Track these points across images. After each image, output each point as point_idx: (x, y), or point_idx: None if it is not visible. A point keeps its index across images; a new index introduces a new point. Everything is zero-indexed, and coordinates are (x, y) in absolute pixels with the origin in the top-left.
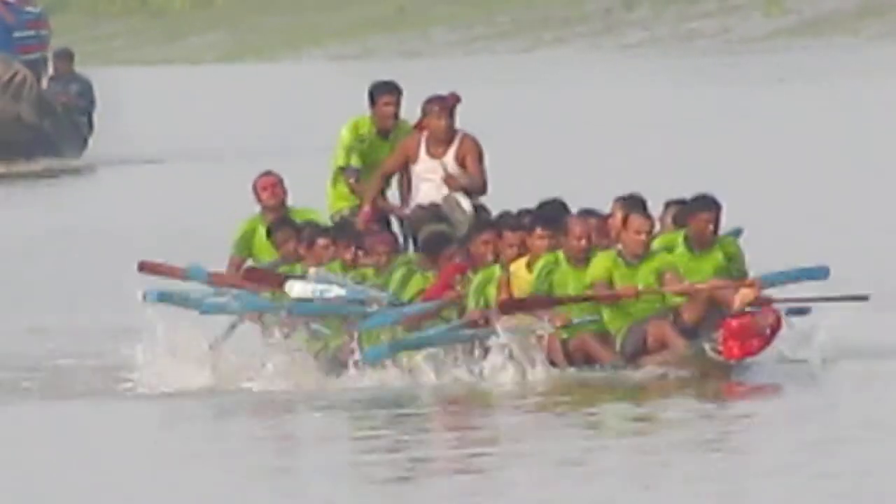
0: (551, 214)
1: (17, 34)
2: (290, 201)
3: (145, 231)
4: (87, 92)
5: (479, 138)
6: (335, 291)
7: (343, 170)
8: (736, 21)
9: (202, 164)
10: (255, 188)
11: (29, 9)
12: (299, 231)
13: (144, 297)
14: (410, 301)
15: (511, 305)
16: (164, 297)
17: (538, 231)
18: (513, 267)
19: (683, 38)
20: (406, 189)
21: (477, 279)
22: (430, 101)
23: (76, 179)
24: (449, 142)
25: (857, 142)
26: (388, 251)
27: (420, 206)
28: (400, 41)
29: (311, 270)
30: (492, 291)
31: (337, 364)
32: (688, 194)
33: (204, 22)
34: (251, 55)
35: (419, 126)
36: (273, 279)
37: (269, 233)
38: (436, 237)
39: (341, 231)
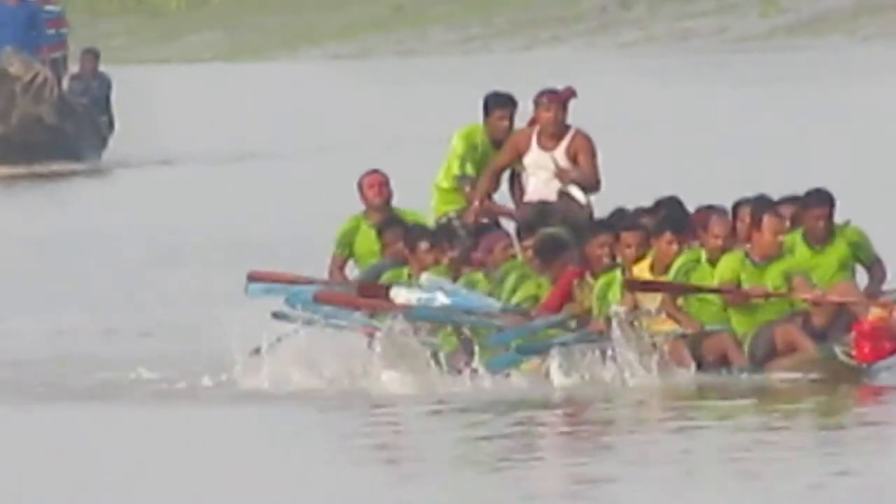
0: (676, 216)
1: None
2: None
3: (164, 232)
4: (107, 91)
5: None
6: (440, 300)
7: (458, 178)
8: (732, 20)
9: (203, 165)
10: (360, 186)
11: (49, 7)
12: (407, 232)
13: (247, 291)
14: (518, 305)
15: (637, 286)
16: (269, 291)
17: (667, 235)
18: (635, 270)
19: (679, 37)
20: (519, 195)
21: (598, 284)
22: (543, 94)
23: (87, 180)
24: (560, 136)
25: (856, 142)
26: (503, 248)
27: (529, 204)
28: (397, 40)
29: (423, 277)
30: (614, 295)
31: (449, 370)
32: (690, 194)
33: (200, 21)
34: (248, 55)
35: (532, 121)
36: (383, 293)
37: (379, 232)
38: (550, 241)
39: (443, 234)
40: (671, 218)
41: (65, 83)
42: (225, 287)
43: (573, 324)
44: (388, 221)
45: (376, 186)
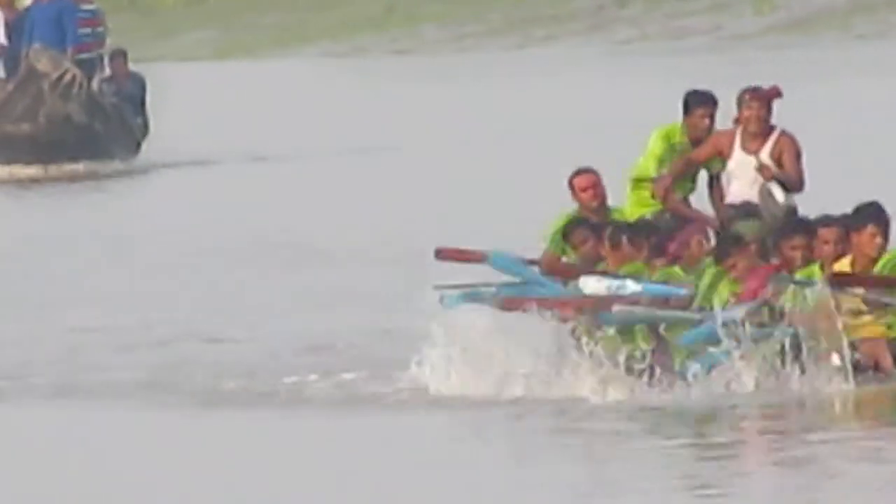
0: (877, 212)
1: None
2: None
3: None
4: (141, 92)
5: (797, 137)
6: (630, 288)
7: (654, 180)
8: (727, 18)
9: (204, 166)
10: (571, 186)
11: (85, 6)
12: (596, 231)
13: (442, 300)
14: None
15: (843, 280)
16: (466, 298)
17: (870, 228)
18: (836, 267)
19: (674, 35)
20: (718, 198)
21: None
22: (746, 92)
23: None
24: (765, 137)
25: (850, 139)
26: (699, 242)
27: (731, 206)
28: (390, 39)
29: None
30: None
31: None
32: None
33: (195, 19)
34: (242, 53)
35: (736, 120)
36: (570, 270)
37: (564, 234)
38: (728, 238)
39: (640, 231)
40: (872, 213)
41: (96, 84)
42: (295, 287)
43: (765, 315)
44: (574, 223)
45: (591, 188)
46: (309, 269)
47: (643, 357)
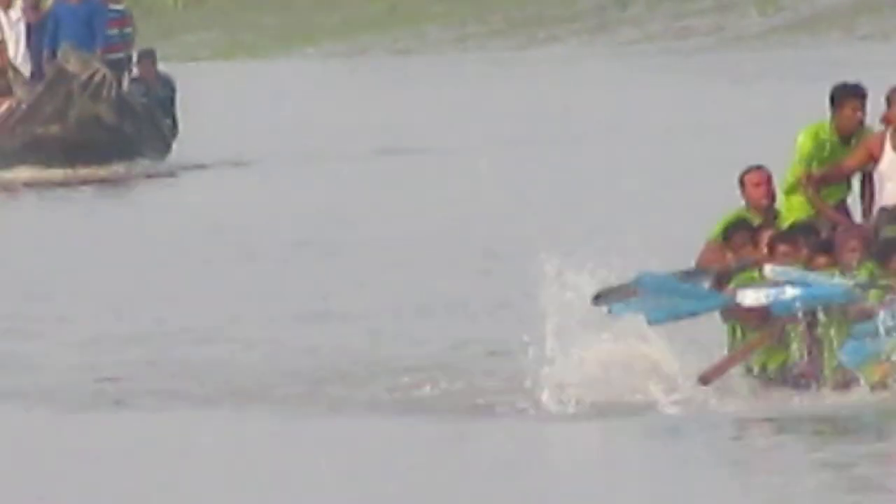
0: None
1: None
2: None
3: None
4: (170, 93)
5: None
6: (789, 293)
7: (803, 180)
8: (731, 19)
9: (235, 166)
10: (742, 183)
11: (114, 7)
12: (754, 236)
13: (610, 310)
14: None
15: None
16: (633, 307)
17: None
18: None
19: (678, 35)
20: (868, 200)
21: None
22: (895, 90)
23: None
24: None
25: None
26: (859, 247)
27: (884, 209)
28: (393, 39)
29: (767, 269)
30: None
31: (781, 382)
32: (692, 194)
33: (197, 20)
34: (244, 53)
35: (885, 118)
36: (726, 268)
37: (725, 235)
38: (890, 243)
39: (799, 232)
40: None
41: (126, 84)
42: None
43: None
44: (736, 225)
45: (763, 185)
46: (383, 270)
47: (796, 366)
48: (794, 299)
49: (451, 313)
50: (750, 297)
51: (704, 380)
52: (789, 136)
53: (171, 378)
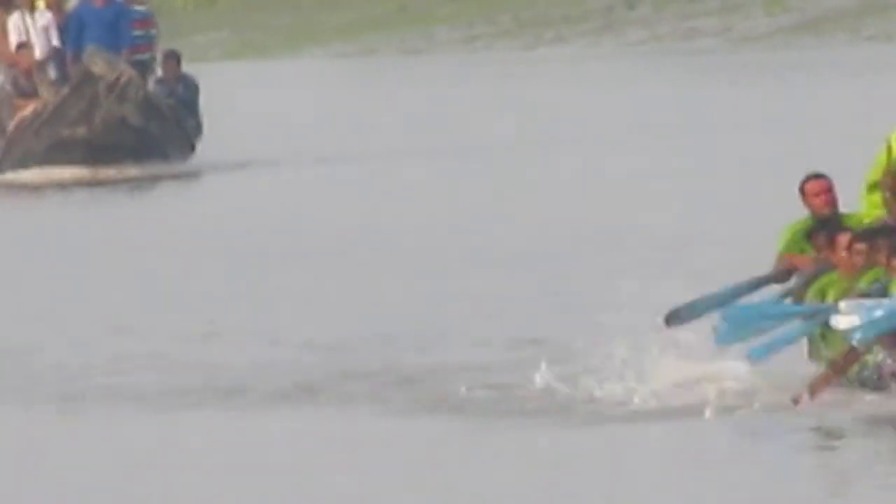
0: None
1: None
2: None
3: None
4: (194, 94)
5: None
6: (878, 312)
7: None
8: (737, 19)
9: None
10: (803, 192)
11: (138, 8)
12: (830, 238)
13: (750, 355)
14: None
15: None
16: (773, 348)
17: None
18: None
19: (685, 36)
20: None
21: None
22: None
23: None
24: None
25: (860, 141)
26: None
27: None
28: (401, 39)
29: (841, 305)
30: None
31: (874, 384)
32: (693, 195)
33: (206, 21)
34: (254, 54)
35: None
36: (806, 266)
37: (808, 235)
38: None
39: (877, 233)
40: None
41: (150, 85)
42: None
43: None
44: (819, 226)
45: (823, 194)
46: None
47: (877, 368)
48: (889, 315)
49: (475, 314)
50: (845, 322)
51: (811, 393)
52: (799, 135)
53: (183, 377)
